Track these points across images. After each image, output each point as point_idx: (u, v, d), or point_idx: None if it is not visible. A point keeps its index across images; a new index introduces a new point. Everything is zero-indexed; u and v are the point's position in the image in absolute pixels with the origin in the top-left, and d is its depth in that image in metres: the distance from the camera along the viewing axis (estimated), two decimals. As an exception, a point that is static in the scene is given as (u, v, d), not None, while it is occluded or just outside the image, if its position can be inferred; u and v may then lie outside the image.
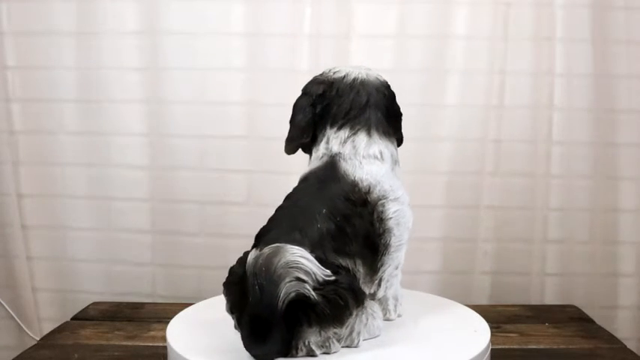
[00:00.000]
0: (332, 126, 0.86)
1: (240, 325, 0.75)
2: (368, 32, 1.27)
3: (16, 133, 1.33)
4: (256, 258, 0.72)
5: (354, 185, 0.82)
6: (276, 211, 0.82)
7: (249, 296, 0.71)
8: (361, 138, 0.85)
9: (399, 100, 1.29)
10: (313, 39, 1.27)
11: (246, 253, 0.77)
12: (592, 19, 1.26)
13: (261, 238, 0.77)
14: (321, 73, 0.91)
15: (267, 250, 0.72)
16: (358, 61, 1.27)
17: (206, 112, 1.29)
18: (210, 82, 1.29)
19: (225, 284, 0.79)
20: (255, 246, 0.77)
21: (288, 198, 0.84)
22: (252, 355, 0.74)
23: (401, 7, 1.27)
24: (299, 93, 0.90)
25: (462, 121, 1.29)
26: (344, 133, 0.85)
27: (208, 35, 1.28)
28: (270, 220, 0.81)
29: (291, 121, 0.89)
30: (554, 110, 1.29)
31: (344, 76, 0.87)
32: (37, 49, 1.30)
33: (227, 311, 0.79)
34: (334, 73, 0.89)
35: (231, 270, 0.79)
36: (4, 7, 1.30)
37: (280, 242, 0.73)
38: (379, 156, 0.85)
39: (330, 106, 0.86)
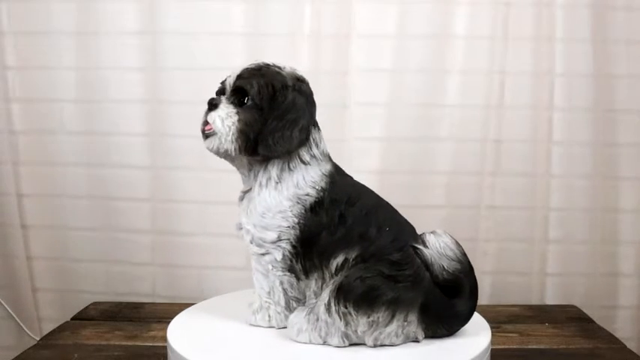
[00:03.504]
0: (314, 127, 0.84)
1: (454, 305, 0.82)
2: (368, 32, 1.27)
3: (16, 133, 1.33)
4: (450, 243, 0.83)
5: None
6: (375, 211, 0.82)
7: (465, 276, 0.82)
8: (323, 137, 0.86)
9: (399, 99, 1.30)
10: (313, 39, 1.27)
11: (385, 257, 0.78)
12: (592, 19, 1.26)
13: (404, 231, 0.82)
14: (285, 68, 0.83)
15: (446, 234, 0.83)
16: (358, 61, 1.28)
17: (206, 112, 1.29)
18: (210, 82, 1.28)
19: (407, 295, 0.78)
20: (397, 240, 0.80)
21: (360, 197, 0.82)
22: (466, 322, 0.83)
23: (401, 7, 1.27)
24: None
25: (462, 121, 1.29)
26: (320, 133, 0.85)
27: (208, 35, 1.28)
28: (382, 218, 0.82)
29: (296, 122, 0.80)
30: (554, 110, 1.29)
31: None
32: (37, 49, 1.30)
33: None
34: (296, 70, 0.84)
35: (406, 276, 0.79)
36: (4, 7, 1.30)
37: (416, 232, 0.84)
38: None
39: (313, 106, 0.84)
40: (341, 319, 0.77)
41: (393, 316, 0.77)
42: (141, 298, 1.34)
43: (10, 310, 1.37)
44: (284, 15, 1.27)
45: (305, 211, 0.81)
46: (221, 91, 0.86)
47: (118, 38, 1.29)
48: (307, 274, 0.82)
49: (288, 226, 0.81)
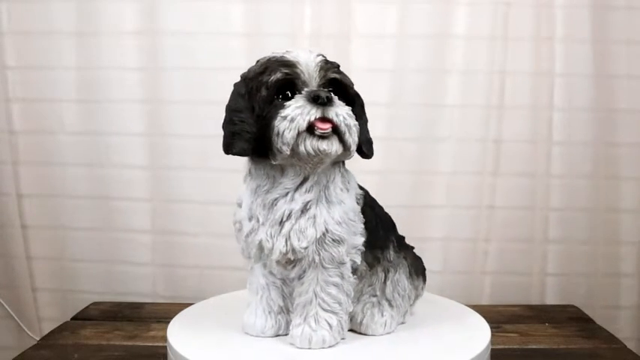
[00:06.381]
0: None
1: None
2: (368, 32, 1.27)
3: (16, 133, 1.33)
4: None
5: None
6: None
7: None
8: None
9: (399, 99, 1.30)
10: (313, 39, 1.27)
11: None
12: (592, 19, 1.26)
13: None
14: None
15: None
16: (358, 61, 1.28)
17: (206, 112, 1.29)
18: (210, 82, 1.29)
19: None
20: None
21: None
22: None
23: (401, 7, 1.27)
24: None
25: (463, 121, 1.29)
26: None
27: (208, 35, 1.28)
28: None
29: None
30: (554, 110, 1.29)
31: None
32: (37, 49, 1.30)
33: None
34: None
35: None
36: (4, 7, 1.30)
37: None
38: None
39: None
40: (413, 294, 0.88)
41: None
42: (141, 298, 1.34)
43: (10, 310, 1.37)
44: (284, 15, 1.27)
45: (362, 209, 0.81)
46: (283, 81, 0.75)
47: (118, 38, 1.29)
48: (370, 270, 0.84)
49: (365, 228, 0.80)
